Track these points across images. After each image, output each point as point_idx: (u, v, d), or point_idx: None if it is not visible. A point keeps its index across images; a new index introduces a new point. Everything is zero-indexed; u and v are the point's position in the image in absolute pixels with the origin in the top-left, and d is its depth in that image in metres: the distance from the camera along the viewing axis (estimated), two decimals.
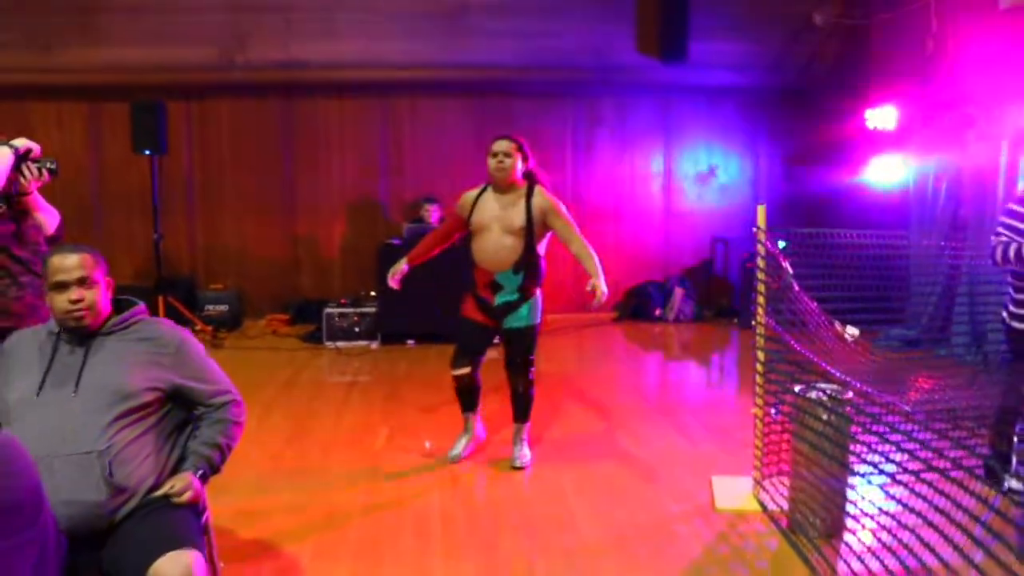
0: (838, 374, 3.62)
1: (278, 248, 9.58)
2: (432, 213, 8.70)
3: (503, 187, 4.59)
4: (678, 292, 9.81)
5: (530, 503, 4.37)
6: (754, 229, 4.18)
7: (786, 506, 4.01)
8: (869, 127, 8.53)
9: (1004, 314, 4.31)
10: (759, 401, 4.32)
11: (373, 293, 8.54)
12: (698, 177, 10.24)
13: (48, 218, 3.53)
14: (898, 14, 8.81)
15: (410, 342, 8.26)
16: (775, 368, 4.17)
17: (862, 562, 3.38)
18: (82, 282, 2.60)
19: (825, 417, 3.73)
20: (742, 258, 9.69)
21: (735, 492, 4.38)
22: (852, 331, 3.87)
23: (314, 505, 4.27)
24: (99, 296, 2.64)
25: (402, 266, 4.83)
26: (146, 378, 2.59)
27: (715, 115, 10.07)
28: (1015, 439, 3.98)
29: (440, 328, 7.96)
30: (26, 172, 3.41)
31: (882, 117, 8.41)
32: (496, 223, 4.56)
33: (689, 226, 10.23)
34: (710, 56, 8.99)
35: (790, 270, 3.92)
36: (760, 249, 4.16)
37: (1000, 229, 4.09)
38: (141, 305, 2.80)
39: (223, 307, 8.93)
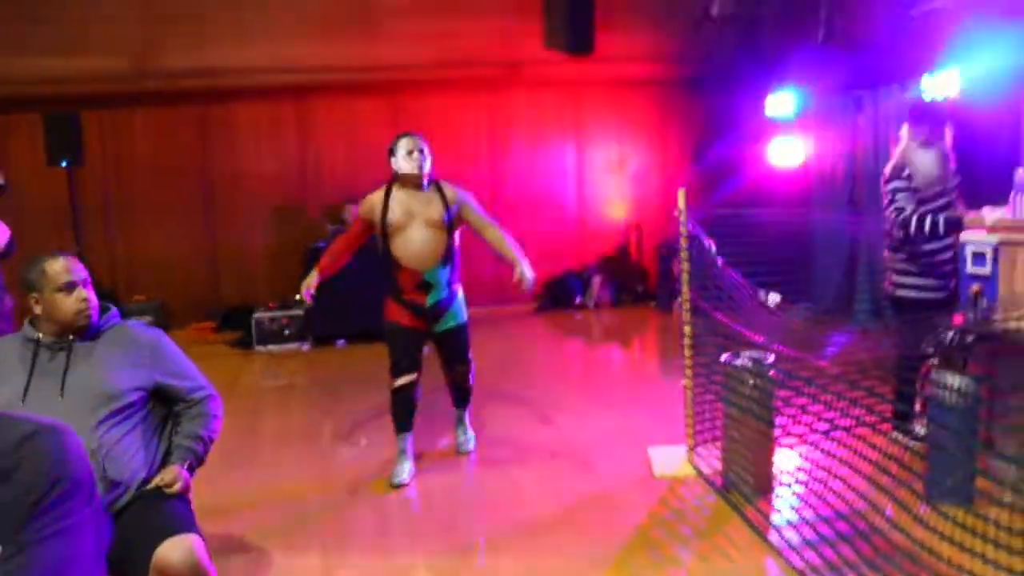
0: (761, 340, 3.94)
1: (199, 257, 9.55)
2: (355, 213, 8.82)
3: (416, 184, 4.44)
4: (596, 279, 10.14)
5: (480, 484, 4.60)
6: (675, 212, 4.48)
7: (720, 468, 4.32)
8: (768, 113, 8.99)
9: (887, 285, 4.73)
10: (688, 373, 4.63)
11: (298, 297, 8.61)
12: (609, 167, 10.57)
13: None
14: (789, 4, 9.30)
15: (340, 342, 8.37)
16: (702, 340, 4.49)
17: (793, 510, 3.72)
18: (85, 283, 2.73)
19: (751, 382, 4.06)
20: (656, 244, 10.09)
21: (671, 460, 4.68)
22: (774, 297, 4.20)
23: (272, 500, 4.40)
24: (94, 296, 2.78)
25: (313, 279, 4.60)
26: (129, 378, 2.72)
27: (624, 106, 10.42)
28: (917, 386, 4.37)
29: (369, 327, 8.14)
30: None
31: (780, 102, 8.87)
32: (416, 219, 4.42)
33: (603, 215, 10.57)
34: (616, 49, 9.31)
35: (713, 247, 4.23)
36: (682, 230, 4.47)
37: (898, 204, 4.47)
38: (115, 310, 2.92)
39: (147, 318, 8.84)
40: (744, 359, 4.16)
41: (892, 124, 7.64)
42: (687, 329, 4.57)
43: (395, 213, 4.43)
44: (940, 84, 6.63)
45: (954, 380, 3.89)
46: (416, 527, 4.05)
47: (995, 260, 4.09)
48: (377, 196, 4.51)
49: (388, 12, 9.08)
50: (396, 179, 4.49)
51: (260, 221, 9.61)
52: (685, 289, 4.51)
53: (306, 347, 8.28)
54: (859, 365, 3.77)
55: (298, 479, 4.74)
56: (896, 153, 4.64)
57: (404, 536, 3.94)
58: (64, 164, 7.93)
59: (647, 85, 10.26)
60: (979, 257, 4.27)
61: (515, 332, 9.04)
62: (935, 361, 4.07)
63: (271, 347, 8.23)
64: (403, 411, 4.58)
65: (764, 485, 4.09)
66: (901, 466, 3.23)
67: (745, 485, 4.08)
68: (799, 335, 4.15)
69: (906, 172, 4.50)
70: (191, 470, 2.80)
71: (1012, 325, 3.70)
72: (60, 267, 2.73)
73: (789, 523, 3.70)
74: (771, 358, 4.13)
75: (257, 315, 8.33)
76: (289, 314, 8.36)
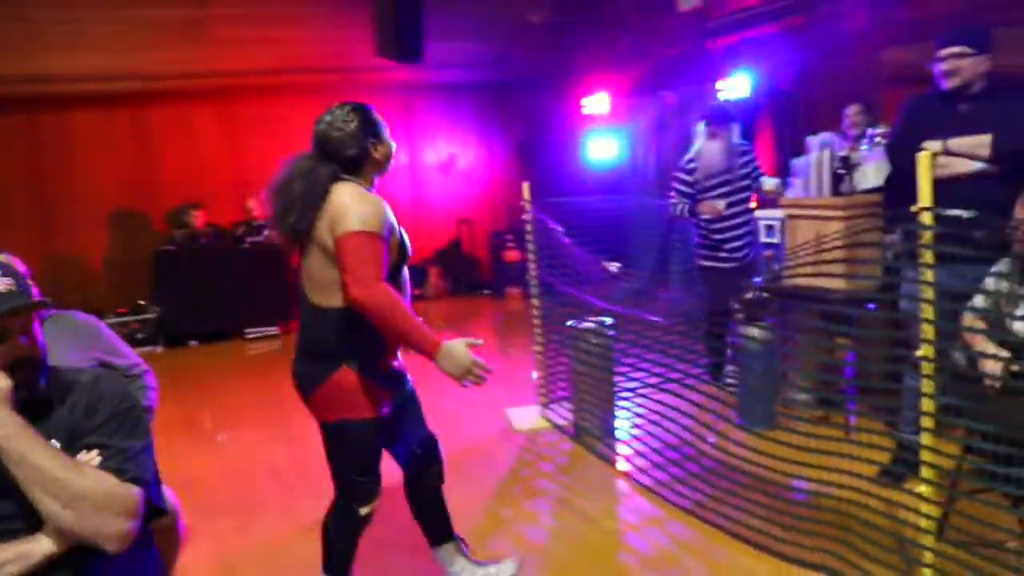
0: (601, 304, 4.69)
1: (37, 267, 9.38)
2: (197, 218, 9.02)
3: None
4: (433, 271, 10.76)
5: None
6: (522, 202, 5.17)
7: (571, 418, 5.04)
8: (585, 112, 9.90)
9: (695, 257, 5.65)
10: (539, 339, 5.33)
11: (141, 302, 8.78)
12: (440, 166, 11.20)
13: None
14: (599, 13, 10.24)
15: (193, 343, 8.57)
16: (550, 311, 5.21)
17: (635, 442, 4.48)
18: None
19: (594, 341, 4.80)
20: (487, 236, 10.82)
21: (527, 416, 5.37)
22: (615, 265, 4.96)
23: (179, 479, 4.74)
24: None
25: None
26: (77, 358, 3.09)
27: (452, 109, 11.08)
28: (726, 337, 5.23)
29: (221, 327, 8.48)
30: None
31: (596, 103, 9.80)
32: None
33: (436, 211, 11.18)
34: (444, 56, 9.94)
35: (560, 229, 4.95)
36: (527, 217, 5.17)
37: (672, 192, 5.42)
38: (49, 301, 3.26)
39: None
40: (587, 323, 4.89)
41: (693, 121, 8.70)
42: (535, 301, 5.27)
43: (401, 232, 2.92)
44: (733, 86, 7.69)
45: (755, 330, 4.78)
46: (303, 472, 4.55)
47: (782, 231, 5.00)
48: (378, 202, 2.78)
49: (222, 19, 9.31)
50: (363, 175, 2.87)
51: (100, 228, 9.58)
52: (532, 267, 5.21)
53: (159, 349, 8.44)
54: (684, 321, 4.60)
55: (196, 461, 5.09)
56: (697, 146, 5.50)
57: (293, 491, 4.43)
58: None
59: (473, 89, 10.96)
60: (770, 229, 5.20)
61: None
62: (740, 316, 4.94)
63: None
64: (353, 548, 3.06)
65: (609, 428, 4.83)
66: (720, 403, 4.08)
67: (594, 429, 4.82)
68: (634, 299, 4.94)
69: (691, 165, 5.39)
70: None
71: (797, 281, 4.60)
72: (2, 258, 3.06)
73: (634, 452, 4.45)
74: (610, 320, 4.88)
75: (106, 321, 8.38)
76: (139, 318, 8.48)
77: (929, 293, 2.68)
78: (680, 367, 4.23)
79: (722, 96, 7.72)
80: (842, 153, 4.54)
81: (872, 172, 4.47)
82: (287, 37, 9.50)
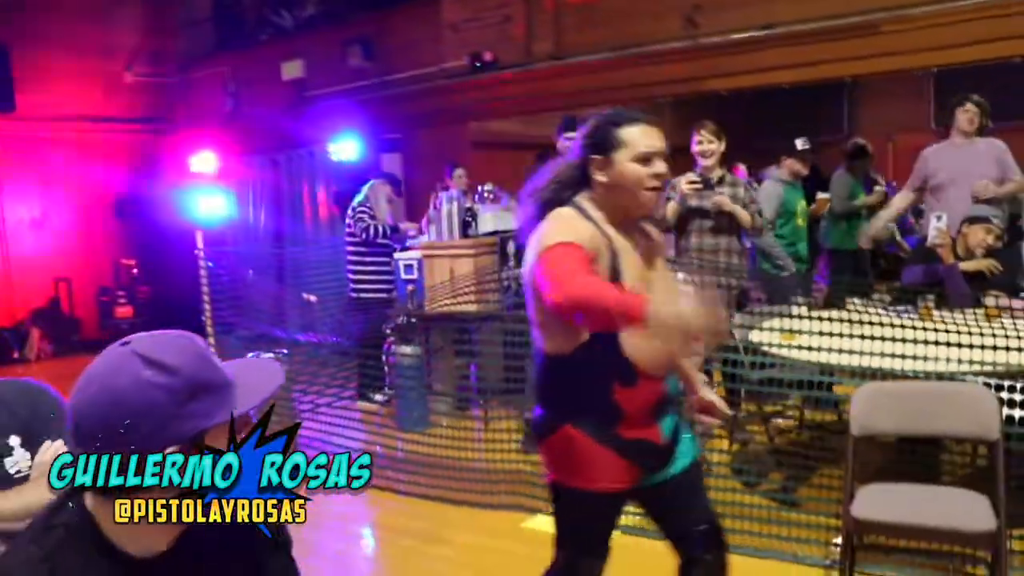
0: (284, 336, 5.49)
1: None
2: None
3: (636, 219, 2.37)
4: (35, 332, 10.37)
5: None
6: (196, 251, 5.78)
7: None
8: (192, 169, 10.34)
9: (350, 291, 6.64)
10: None
11: None
12: (33, 222, 10.82)
13: None
14: (198, 75, 10.79)
15: None
16: (229, 346, 5.85)
17: (325, 449, 5.34)
18: None
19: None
20: (94, 292, 10.70)
21: None
22: (312, 297, 5.76)
23: None
24: None
25: None
26: None
27: (46, 163, 10.76)
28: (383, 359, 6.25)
29: None
30: None
31: (202, 161, 10.26)
32: (659, 284, 2.31)
33: (30, 269, 10.72)
34: (38, 108, 9.82)
35: (251, 272, 5.64)
36: (203, 264, 5.79)
37: (362, 216, 6.31)
38: None
39: None
40: (264, 354, 5.63)
41: (306, 179, 9.67)
42: (211, 340, 5.88)
43: (630, 275, 2.27)
44: (341, 149, 8.74)
45: (407, 348, 5.88)
46: None
47: (420, 269, 6.18)
48: (585, 228, 2.22)
49: None
50: (597, 198, 2.29)
51: None
52: (208, 309, 5.83)
53: None
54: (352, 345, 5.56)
55: None
56: (368, 194, 6.39)
57: None
58: None
59: (70, 144, 10.80)
60: (409, 267, 6.35)
61: None
62: (393, 338, 6.01)
63: None
64: None
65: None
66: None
67: None
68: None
69: (368, 204, 6.36)
70: None
71: (439, 309, 5.79)
72: None
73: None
74: (285, 351, 5.68)
75: None
76: None
77: None
78: (350, 386, 5.21)
79: (333, 157, 8.73)
80: (467, 205, 5.86)
81: (490, 219, 5.84)
82: None
